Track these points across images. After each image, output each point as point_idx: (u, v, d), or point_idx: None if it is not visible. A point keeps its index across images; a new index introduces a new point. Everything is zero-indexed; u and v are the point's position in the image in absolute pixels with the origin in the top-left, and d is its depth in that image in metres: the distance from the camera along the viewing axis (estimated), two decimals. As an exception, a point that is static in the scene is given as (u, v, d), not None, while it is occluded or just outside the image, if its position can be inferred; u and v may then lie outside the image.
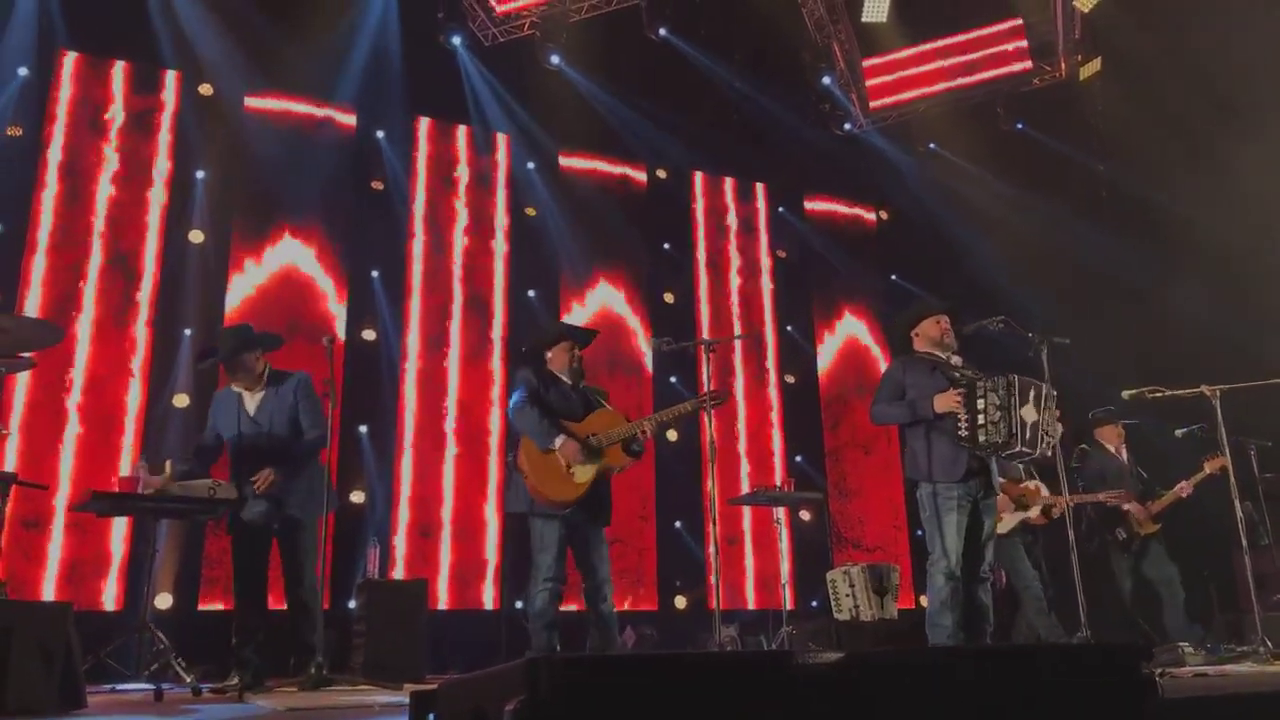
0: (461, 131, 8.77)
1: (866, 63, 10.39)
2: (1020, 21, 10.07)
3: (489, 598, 7.77)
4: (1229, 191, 7.78)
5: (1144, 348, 7.84)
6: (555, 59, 9.03)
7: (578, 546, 4.75)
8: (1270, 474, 6.26)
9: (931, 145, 10.70)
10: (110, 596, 6.54)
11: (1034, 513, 6.20)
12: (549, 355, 4.97)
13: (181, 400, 7.08)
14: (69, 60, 7.31)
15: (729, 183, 10.04)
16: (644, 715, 1.19)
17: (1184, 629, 6.22)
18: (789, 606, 7.03)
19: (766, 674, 1.28)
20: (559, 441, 4.62)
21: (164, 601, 6.63)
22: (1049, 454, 4.67)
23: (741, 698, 1.24)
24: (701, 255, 9.72)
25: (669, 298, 9.43)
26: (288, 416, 4.90)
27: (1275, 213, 7.66)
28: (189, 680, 4.28)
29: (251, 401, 4.92)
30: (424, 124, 8.63)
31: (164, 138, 7.52)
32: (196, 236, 7.49)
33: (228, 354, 4.88)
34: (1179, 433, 6.41)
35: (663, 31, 9.38)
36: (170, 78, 7.64)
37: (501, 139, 8.92)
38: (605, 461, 4.70)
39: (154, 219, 7.36)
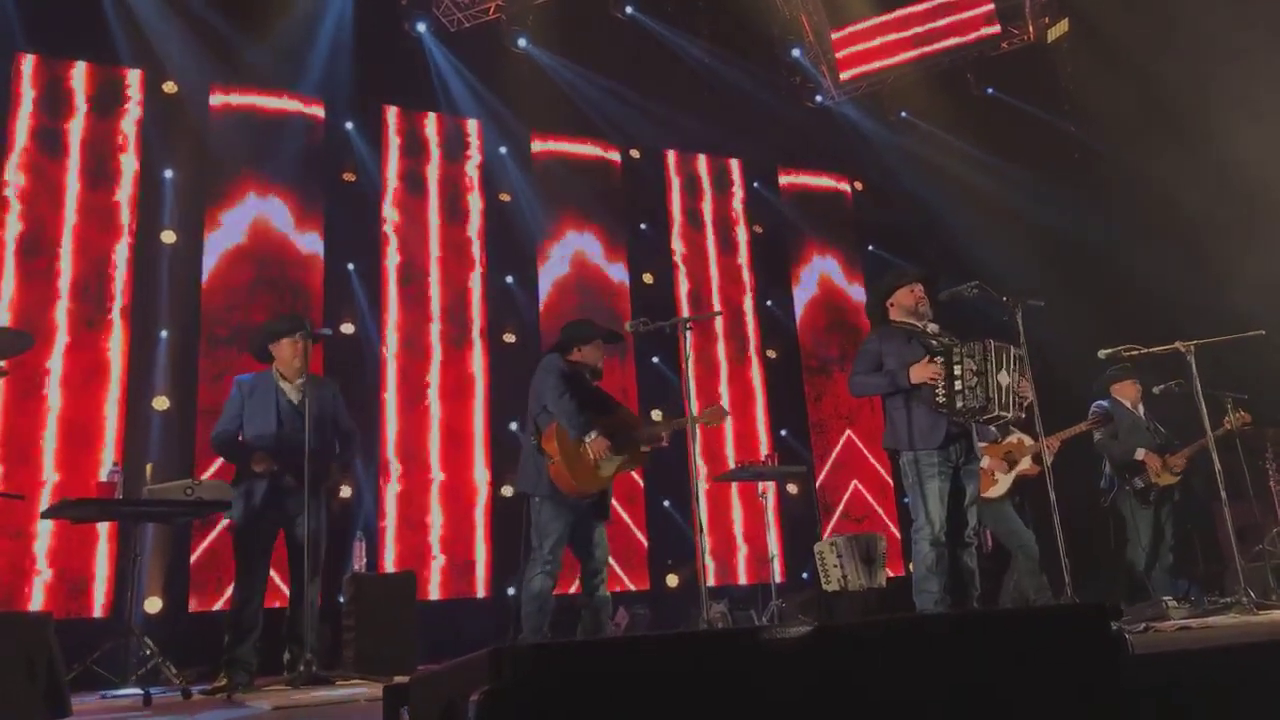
0: (431, 119, 8.70)
1: (835, 34, 10.34)
2: (986, -14, 10.04)
3: (481, 585, 7.79)
4: (1196, 149, 7.82)
5: (1119, 306, 7.89)
6: (522, 42, 8.96)
7: (581, 535, 4.81)
8: (1247, 426, 6.33)
9: (903, 114, 10.68)
10: (99, 603, 6.51)
11: (1026, 464, 6.20)
12: (579, 350, 4.98)
13: (161, 403, 7.04)
14: (27, 62, 7.19)
15: (703, 160, 10.01)
16: (610, 700, 1.19)
17: (1167, 586, 6.30)
18: (779, 580, 7.07)
19: (735, 651, 1.28)
20: (592, 435, 4.65)
21: (153, 606, 6.61)
22: (1022, 416, 4.71)
23: (711, 676, 1.25)
24: (678, 234, 9.70)
25: (648, 278, 9.42)
26: (330, 416, 5.00)
27: (1242, 170, 7.70)
28: (178, 683, 4.27)
29: (294, 392, 4.91)
30: (393, 113, 8.55)
31: (129, 138, 7.42)
32: (168, 237, 7.42)
33: (314, 333, 5.00)
34: (1156, 389, 6.47)
35: (629, 9, 9.30)
36: (133, 76, 7.53)
37: (472, 124, 8.85)
38: (629, 459, 4.80)
39: (124, 220, 7.28)
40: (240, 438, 4.92)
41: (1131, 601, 6.15)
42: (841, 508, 9.58)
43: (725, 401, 9.34)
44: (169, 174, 7.51)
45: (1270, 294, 7.00)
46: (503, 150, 8.97)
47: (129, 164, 7.38)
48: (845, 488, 9.69)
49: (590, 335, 5.01)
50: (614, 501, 5.11)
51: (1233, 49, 7.92)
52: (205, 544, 6.87)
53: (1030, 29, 10.22)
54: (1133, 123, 8.67)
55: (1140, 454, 6.51)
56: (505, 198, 8.88)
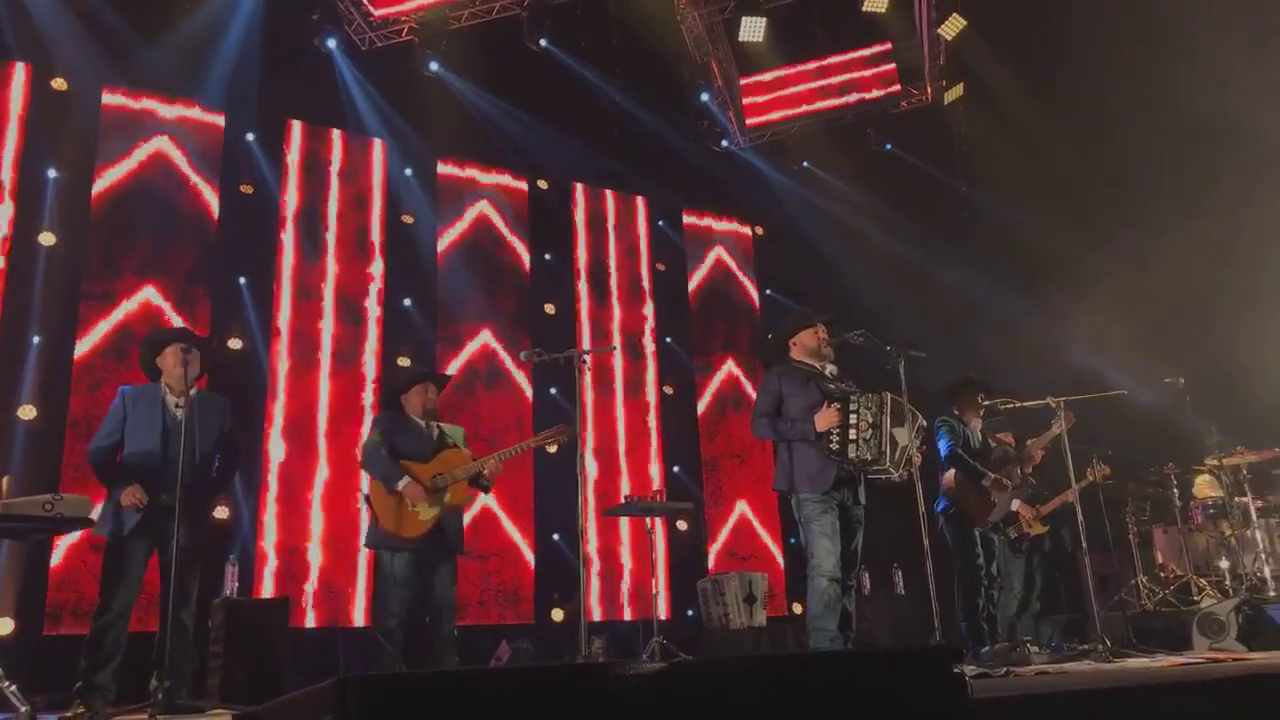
0: (336, 136, 8.58)
1: (743, 81, 10.61)
2: (889, 46, 10.45)
3: (360, 614, 7.59)
4: (1077, 213, 8.28)
5: (998, 361, 8.22)
6: (434, 66, 8.92)
7: (425, 575, 5.04)
8: (1108, 479, 6.67)
9: (805, 164, 11.01)
10: (-55, 623, 6.11)
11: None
12: (405, 397, 5.27)
13: (27, 412, 6.69)
14: (-98, 49, 6.84)
15: (610, 195, 10.11)
16: (455, 732, 1.19)
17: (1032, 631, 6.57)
18: (664, 616, 7.10)
19: (582, 686, 1.30)
20: (403, 484, 4.96)
21: (5, 627, 6.22)
22: (905, 477, 4.77)
23: (557, 712, 1.26)
24: (583, 267, 9.75)
25: (550, 309, 9.43)
26: (215, 435, 4.84)
27: (1116, 233, 8.19)
28: (24, 709, 4.01)
29: (179, 408, 4.69)
30: (297, 127, 8.40)
31: (11, 133, 7.10)
32: (47, 239, 7.09)
33: (196, 340, 4.82)
34: (1030, 443, 6.76)
35: (543, 42, 9.36)
36: (19, 70, 7.22)
37: (378, 144, 8.76)
38: (449, 499, 5.03)
39: (1, 219, 6.94)
40: (118, 455, 4.71)
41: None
42: (728, 545, 9.68)
43: (620, 434, 9.38)
44: (52, 174, 7.19)
45: (1132, 355, 7.43)
46: (408, 172, 8.90)
47: (8, 160, 7.05)
48: (735, 525, 9.80)
49: (412, 379, 5.36)
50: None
51: (1110, 113, 8.45)
52: (65, 563, 6.53)
53: (929, 90, 10.69)
54: (1017, 183, 9.14)
55: (1015, 505, 6.77)
56: (408, 219, 8.80)
